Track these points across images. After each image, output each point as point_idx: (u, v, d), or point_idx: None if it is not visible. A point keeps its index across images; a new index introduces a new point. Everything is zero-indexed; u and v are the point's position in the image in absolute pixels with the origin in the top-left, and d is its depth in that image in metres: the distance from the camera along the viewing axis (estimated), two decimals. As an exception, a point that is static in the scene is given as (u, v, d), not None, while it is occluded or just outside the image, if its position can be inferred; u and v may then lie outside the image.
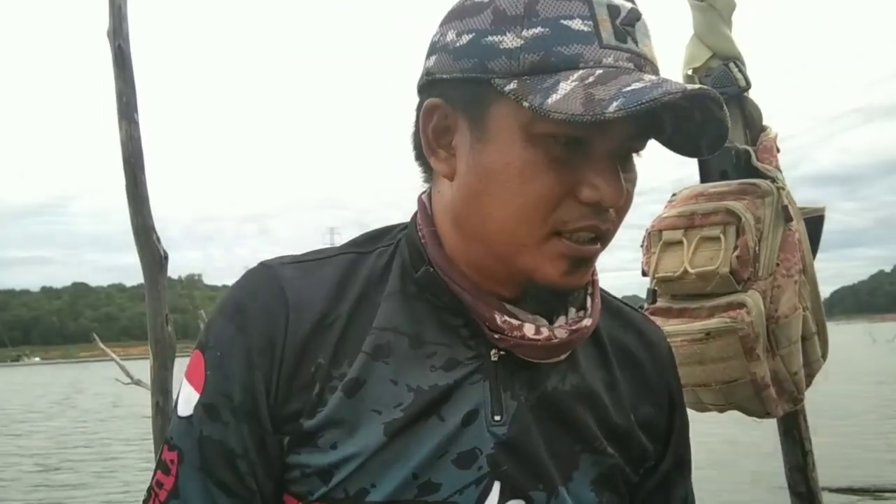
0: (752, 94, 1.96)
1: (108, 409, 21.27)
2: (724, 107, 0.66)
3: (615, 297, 0.88)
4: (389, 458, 0.69)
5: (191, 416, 0.72)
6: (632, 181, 0.70)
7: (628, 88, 0.61)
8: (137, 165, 2.41)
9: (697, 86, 0.64)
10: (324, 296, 0.74)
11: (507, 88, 0.65)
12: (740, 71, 1.92)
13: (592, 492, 0.76)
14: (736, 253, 1.76)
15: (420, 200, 0.80)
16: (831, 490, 6.24)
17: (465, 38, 0.68)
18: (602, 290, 0.82)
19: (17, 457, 12.34)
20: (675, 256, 1.85)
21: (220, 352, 0.72)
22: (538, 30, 0.65)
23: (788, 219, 1.80)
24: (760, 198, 1.80)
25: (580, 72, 0.63)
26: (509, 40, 0.65)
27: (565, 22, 0.65)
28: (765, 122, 1.96)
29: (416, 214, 0.79)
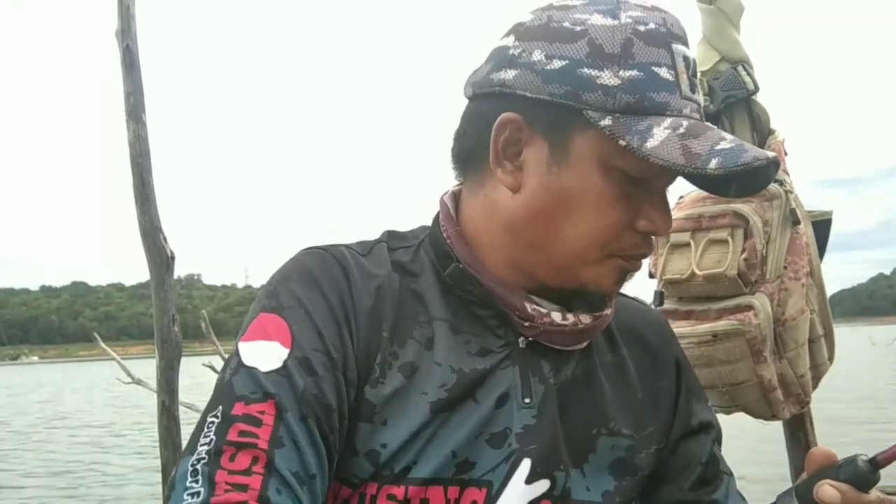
0: (760, 98, 1.97)
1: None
2: (772, 175, 0.73)
3: (621, 293, 0.94)
4: (431, 437, 0.73)
5: (281, 369, 0.70)
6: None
7: (719, 147, 0.68)
8: (145, 166, 2.42)
9: (773, 154, 0.71)
10: (376, 273, 0.79)
11: (602, 123, 0.70)
12: (748, 74, 1.92)
13: (611, 474, 0.80)
14: (743, 255, 1.77)
15: (442, 201, 0.83)
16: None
17: (558, 64, 0.71)
18: None
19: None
20: (683, 258, 1.85)
21: (303, 309, 0.74)
22: (634, 73, 0.70)
23: (796, 222, 1.81)
24: (768, 201, 1.81)
25: (669, 119, 0.70)
26: (606, 77, 0.70)
27: (655, 69, 0.70)
28: (772, 126, 1.97)
29: (438, 215, 0.83)
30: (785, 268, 1.79)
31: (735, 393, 1.78)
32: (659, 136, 0.68)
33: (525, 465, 0.75)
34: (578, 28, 0.71)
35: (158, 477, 2.98)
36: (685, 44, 0.73)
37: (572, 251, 0.75)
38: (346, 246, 0.81)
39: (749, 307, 1.75)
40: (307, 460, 0.67)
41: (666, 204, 0.76)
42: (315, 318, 0.73)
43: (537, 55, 0.72)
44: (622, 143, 0.69)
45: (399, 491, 0.72)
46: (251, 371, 0.69)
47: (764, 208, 1.80)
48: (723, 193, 0.79)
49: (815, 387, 1.87)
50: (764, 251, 1.78)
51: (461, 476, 0.73)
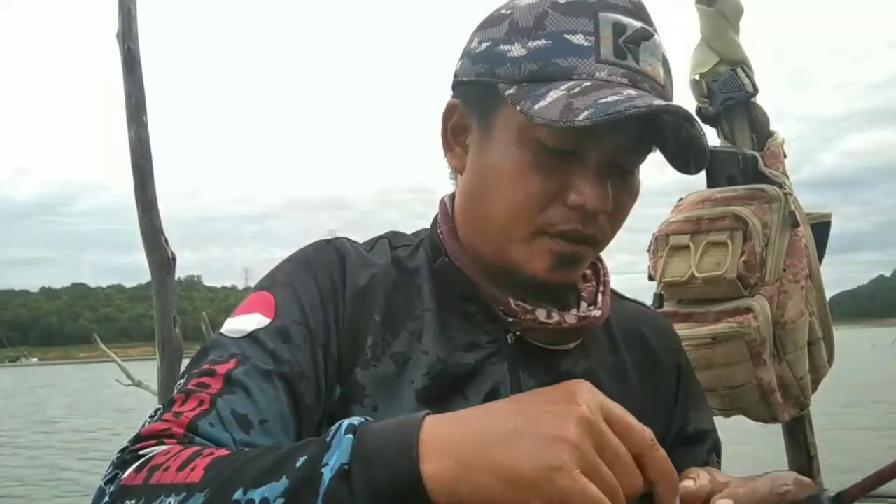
0: (760, 100, 1.97)
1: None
2: (697, 124, 0.70)
3: (626, 297, 0.95)
4: None
5: (252, 333, 0.72)
6: (629, 193, 0.76)
7: (603, 100, 0.66)
8: (146, 168, 2.42)
9: (665, 102, 0.68)
10: (374, 262, 0.81)
11: (507, 93, 0.71)
12: (748, 76, 1.93)
13: None
14: (743, 258, 1.77)
15: (441, 202, 0.86)
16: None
17: (483, 46, 0.75)
18: (613, 289, 0.89)
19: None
20: (683, 261, 1.85)
21: (292, 286, 0.76)
22: (541, 42, 0.71)
23: (795, 224, 1.81)
24: (767, 203, 1.81)
25: (571, 83, 0.69)
26: (516, 50, 0.72)
27: (568, 36, 0.70)
28: (772, 128, 1.97)
29: (436, 215, 0.85)
30: (784, 270, 1.79)
31: (734, 396, 1.78)
32: (551, 97, 0.67)
33: None
34: (507, 11, 0.74)
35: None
36: (628, 14, 0.71)
37: (499, 227, 0.75)
38: (350, 239, 0.84)
39: (748, 310, 1.75)
40: (259, 406, 0.67)
41: (600, 179, 0.72)
42: (300, 294, 0.75)
43: (474, 42, 0.77)
44: (518, 108, 0.69)
45: None
46: (221, 337, 0.72)
47: (763, 211, 1.80)
48: (677, 168, 0.75)
49: (814, 389, 1.87)
50: (763, 254, 1.78)
51: None
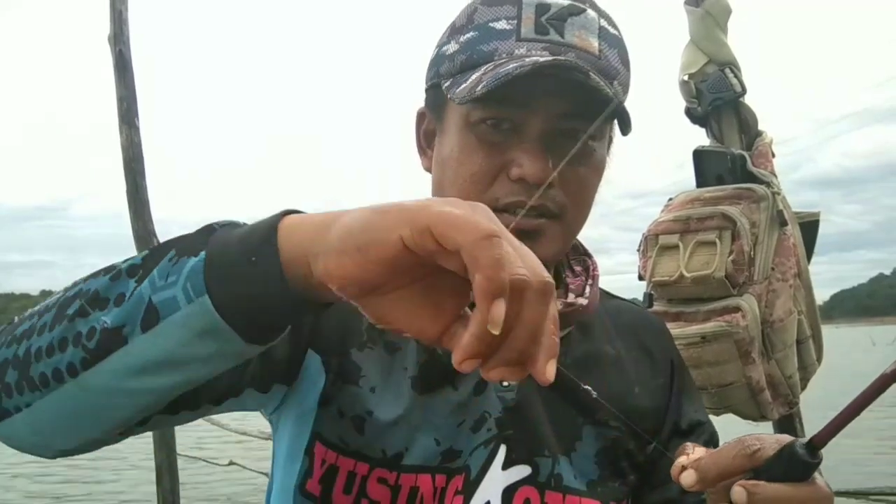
0: (748, 100, 1.98)
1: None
2: (593, 76, 0.70)
3: (620, 297, 0.96)
4: (417, 424, 0.74)
5: None
6: (585, 164, 0.76)
7: (503, 70, 0.69)
8: (138, 170, 2.43)
9: (552, 58, 0.71)
10: None
11: (444, 86, 0.76)
12: (736, 76, 1.94)
13: (596, 464, 0.80)
14: (731, 257, 1.77)
15: None
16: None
17: (434, 53, 0.81)
18: (607, 290, 0.93)
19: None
20: (672, 260, 1.86)
21: None
22: (470, 34, 0.76)
23: (783, 223, 1.82)
24: (756, 202, 1.82)
25: (491, 63, 0.72)
26: (451, 47, 0.77)
27: (492, 24, 0.75)
28: (760, 127, 1.98)
29: None
30: (772, 269, 1.80)
31: (724, 394, 1.79)
32: (471, 79, 0.72)
33: (502, 452, 0.76)
34: (453, 19, 0.80)
35: (153, 477, 2.98)
36: None
37: None
38: None
39: (737, 309, 1.76)
40: None
41: (537, 149, 0.73)
42: None
43: (432, 52, 0.82)
44: (449, 95, 0.74)
45: (391, 476, 0.73)
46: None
47: (751, 210, 1.81)
48: (622, 131, 0.76)
49: (803, 388, 1.88)
50: (751, 253, 1.78)
51: (447, 465, 0.75)
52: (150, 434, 2.66)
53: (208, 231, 0.54)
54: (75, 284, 0.58)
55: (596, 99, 0.70)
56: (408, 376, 0.76)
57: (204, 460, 6.71)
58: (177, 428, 2.81)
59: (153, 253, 0.55)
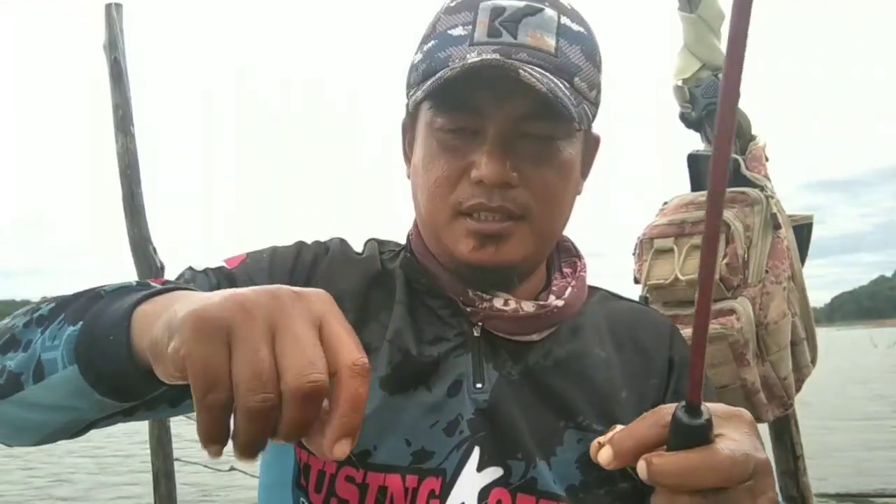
0: (742, 104, 1.99)
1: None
2: (524, 70, 0.70)
3: (623, 297, 0.96)
4: (386, 423, 0.75)
5: (207, 269, 0.79)
6: (548, 164, 0.77)
7: (443, 75, 0.73)
8: (133, 178, 2.44)
9: (490, 56, 0.72)
10: (357, 259, 0.87)
11: (409, 96, 0.79)
12: (729, 81, 1.94)
13: (578, 469, 0.78)
14: (725, 260, 1.78)
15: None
16: (826, 496, 6.22)
17: (407, 68, 0.82)
18: (608, 290, 0.93)
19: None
20: (666, 264, 1.87)
21: (270, 256, 0.83)
22: (431, 43, 0.78)
23: (777, 226, 1.83)
24: (749, 206, 1.83)
25: (445, 69, 0.73)
26: (416, 57, 0.80)
27: (450, 31, 0.77)
28: (754, 132, 1.99)
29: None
30: (766, 272, 1.81)
31: (718, 396, 1.79)
32: (426, 87, 0.74)
33: (475, 454, 0.76)
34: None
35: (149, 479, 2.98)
36: None
37: (427, 217, 0.80)
38: (343, 239, 0.90)
39: (731, 311, 1.77)
40: None
41: (495, 151, 0.74)
42: (271, 262, 0.82)
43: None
44: (409, 106, 0.79)
45: (358, 475, 0.74)
46: (170, 281, 0.73)
47: (745, 213, 1.82)
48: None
49: (798, 389, 1.88)
50: (745, 256, 1.79)
51: (419, 465, 0.74)
52: (147, 439, 2.66)
53: (95, 298, 0.59)
54: (14, 316, 0.65)
55: (558, 99, 0.71)
56: (377, 376, 0.77)
57: (205, 465, 6.71)
58: (177, 433, 2.81)
59: (60, 306, 0.61)
